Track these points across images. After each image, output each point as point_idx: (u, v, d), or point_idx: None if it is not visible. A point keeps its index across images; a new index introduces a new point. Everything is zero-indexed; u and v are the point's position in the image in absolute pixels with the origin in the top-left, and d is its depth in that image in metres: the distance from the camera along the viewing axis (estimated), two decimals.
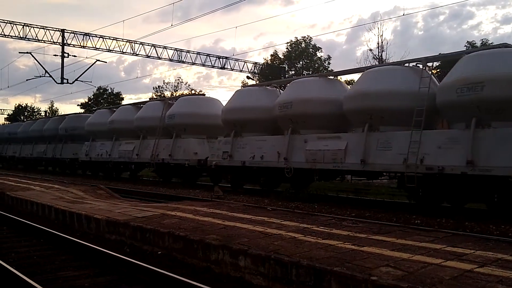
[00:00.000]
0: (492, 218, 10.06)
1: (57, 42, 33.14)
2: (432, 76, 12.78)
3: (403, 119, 12.07)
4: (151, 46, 35.74)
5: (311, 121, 14.65)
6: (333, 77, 16.19)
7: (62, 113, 52.02)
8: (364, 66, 21.47)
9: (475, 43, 40.61)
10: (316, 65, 49.59)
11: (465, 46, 41.32)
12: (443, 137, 11.32)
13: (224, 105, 19.89)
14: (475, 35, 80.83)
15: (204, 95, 24.22)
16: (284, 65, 48.72)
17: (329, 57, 50.88)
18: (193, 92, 52.10)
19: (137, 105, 25.53)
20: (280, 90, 17.84)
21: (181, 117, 20.54)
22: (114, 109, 27.13)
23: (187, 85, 59.02)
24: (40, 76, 34.41)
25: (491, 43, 38.74)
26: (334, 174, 15.31)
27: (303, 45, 49.66)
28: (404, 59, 17.18)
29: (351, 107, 13.55)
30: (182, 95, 24.65)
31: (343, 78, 22.74)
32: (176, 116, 20.67)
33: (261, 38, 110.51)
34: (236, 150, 16.88)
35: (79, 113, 33.70)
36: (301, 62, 49.97)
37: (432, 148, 11.29)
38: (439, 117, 12.89)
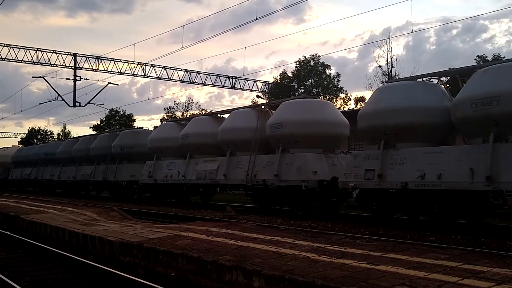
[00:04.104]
0: None
1: (69, 66, 33.76)
2: None
3: None
4: (162, 68, 36.24)
5: None
6: None
7: (75, 135, 52.11)
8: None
9: (486, 57, 40.56)
10: (325, 82, 49.83)
11: (475, 60, 41.28)
12: None
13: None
14: (489, 49, 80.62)
15: (316, 97, 20.37)
16: (293, 84, 49.01)
17: (338, 75, 51.14)
18: (203, 112, 52.44)
19: (216, 115, 21.77)
20: (442, 86, 13.46)
21: (291, 126, 16.06)
22: (182, 122, 23.56)
23: (197, 105, 59.60)
24: (53, 100, 34.76)
25: (503, 57, 38.78)
26: None
27: (311, 63, 49.98)
28: None
29: None
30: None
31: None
32: (285, 126, 16.18)
33: (273, 56, 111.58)
34: (390, 167, 12.44)
35: (136, 128, 29.54)
36: (310, 80, 50.23)
37: None
38: None
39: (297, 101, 17.81)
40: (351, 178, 13.40)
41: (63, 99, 34.64)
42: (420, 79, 13.47)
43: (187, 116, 50.13)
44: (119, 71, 35.04)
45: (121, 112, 65.94)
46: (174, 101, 67.13)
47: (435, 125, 12.29)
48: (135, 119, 68.12)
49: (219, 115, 21.45)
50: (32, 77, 35.08)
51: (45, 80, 34.38)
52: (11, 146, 51.33)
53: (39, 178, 34.47)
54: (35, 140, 73.33)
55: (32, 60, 32.78)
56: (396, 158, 12.43)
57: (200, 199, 22.06)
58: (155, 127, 33.30)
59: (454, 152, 11.45)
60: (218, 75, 38.96)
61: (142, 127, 29.76)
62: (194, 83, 37.94)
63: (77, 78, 34.02)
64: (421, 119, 12.23)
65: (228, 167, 18.25)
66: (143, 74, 36.02)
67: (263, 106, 18.85)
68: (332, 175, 14.89)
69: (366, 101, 14.43)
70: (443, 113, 12.11)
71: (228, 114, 20.37)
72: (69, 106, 34.63)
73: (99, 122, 66.31)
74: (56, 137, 74.35)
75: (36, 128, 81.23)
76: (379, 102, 13.30)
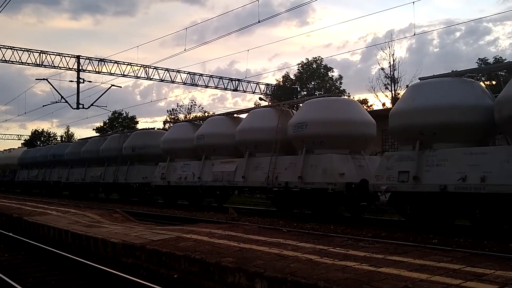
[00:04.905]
0: None
1: (73, 68, 33.91)
2: None
3: None
4: (165, 70, 36.33)
5: None
6: None
7: (78, 138, 51.99)
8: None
9: (487, 60, 40.55)
10: (328, 85, 49.89)
11: (477, 63, 41.28)
12: None
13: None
14: (492, 51, 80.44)
15: (340, 96, 18.68)
16: (296, 86, 49.09)
17: (340, 77, 51.24)
18: (206, 114, 52.53)
19: (232, 116, 20.88)
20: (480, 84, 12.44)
21: (316, 125, 15.18)
22: (197, 122, 22.68)
23: (200, 107, 59.78)
24: (56, 102, 34.94)
25: (505, 59, 38.79)
26: None
27: (314, 66, 50.06)
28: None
29: None
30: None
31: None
32: (309, 125, 15.31)
33: (276, 59, 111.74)
34: (426, 170, 11.71)
35: (148, 128, 28.51)
36: (312, 83, 50.30)
37: None
38: None
39: (322, 100, 16.92)
40: (383, 180, 12.54)
41: (66, 101, 34.83)
42: (457, 76, 12.60)
43: (189, 118, 50.23)
44: (122, 73, 35.20)
45: (124, 114, 66.14)
46: (177, 103, 67.37)
47: (476, 125, 11.51)
48: (138, 121, 68.37)
49: (235, 115, 20.83)
50: (36, 79, 35.12)
51: (49, 82, 34.62)
52: (18, 147, 51.04)
53: (47, 179, 33.68)
54: (38, 142, 73.56)
55: (36, 63, 32.94)
56: (433, 160, 11.63)
57: (215, 201, 21.32)
58: (158, 129, 33.11)
59: (500, 153, 10.53)
60: (220, 78, 39.08)
61: (154, 128, 29.23)
62: (197, 85, 38.09)
63: (80, 80, 34.21)
64: (462, 118, 11.42)
65: (247, 168, 17.53)
66: (146, 76, 36.16)
67: (283, 105, 17.96)
68: (359, 177, 14.26)
69: (399, 99, 13.33)
70: (483, 111, 11.42)
71: (246, 114, 19.67)
72: (72, 108, 34.85)
73: (102, 124, 66.55)
74: (59, 139, 74.60)
75: (39, 130, 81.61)
76: (414, 100, 12.42)
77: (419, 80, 13.06)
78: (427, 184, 11.50)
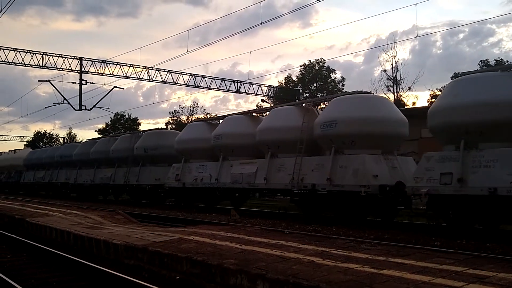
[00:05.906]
0: None
1: (75, 70, 33.98)
2: None
3: None
4: (167, 72, 36.38)
5: None
6: None
7: (81, 139, 51.90)
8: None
9: (489, 62, 40.50)
10: (330, 86, 49.89)
11: (479, 65, 41.23)
12: None
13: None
14: (496, 53, 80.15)
15: (370, 93, 17.37)
16: (298, 88, 49.13)
17: (343, 79, 51.23)
18: (208, 116, 52.52)
19: (251, 115, 19.95)
20: None
21: (347, 124, 14.22)
22: (213, 122, 21.88)
23: (202, 109, 59.85)
24: (59, 103, 34.96)
25: (506, 61, 38.68)
26: None
27: (316, 67, 50.08)
28: None
29: None
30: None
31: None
32: (339, 124, 14.29)
33: (279, 60, 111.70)
34: (472, 171, 10.85)
35: (161, 128, 27.68)
36: (315, 84, 50.32)
37: None
38: None
39: (351, 97, 15.91)
40: (423, 182, 11.61)
41: (69, 103, 34.93)
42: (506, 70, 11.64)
43: (192, 119, 50.27)
44: (125, 75, 35.24)
45: (127, 116, 66.21)
46: (180, 105, 67.46)
47: None
48: (140, 122, 68.44)
49: (254, 114, 20.17)
50: (39, 80, 35.41)
51: (51, 84, 34.74)
52: (23, 148, 50.86)
53: (54, 181, 32.80)
54: (41, 144, 73.72)
55: (38, 64, 33.02)
56: (480, 160, 10.74)
57: (231, 204, 20.49)
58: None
59: None
60: (223, 79, 39.13)
61: (166, 128, 28.87)
62: (199, 87, 38.10)
63: (83, 82, 34.29)
64: None
65: (269, 170, 16.54)
66: (148, 78, 36.22)
67: (307, 103, 17.24)
68: (392, 179, 13.44)
69: (439, 96, 12.58)
70: None
71: (266, 113, 18.86)
72: (75, 109, 34.96)
73: (104, 126, 66.66)
74: (61, 141, 74.75)
75: (42, 132, 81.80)
76: (457, 97, 11.42)
77: (461, 76, 12.18)
78: (474, 187, 10.62)
